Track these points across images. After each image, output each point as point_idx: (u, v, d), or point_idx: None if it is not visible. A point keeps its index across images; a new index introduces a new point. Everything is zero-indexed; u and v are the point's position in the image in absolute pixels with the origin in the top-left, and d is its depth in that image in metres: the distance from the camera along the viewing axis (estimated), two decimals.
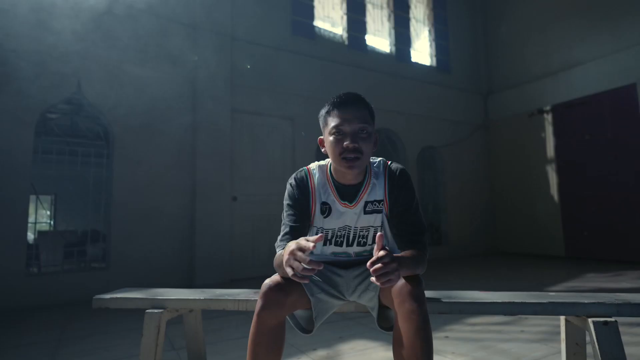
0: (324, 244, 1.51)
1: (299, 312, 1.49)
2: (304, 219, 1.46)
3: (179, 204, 4.86)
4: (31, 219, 4.65)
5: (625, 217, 5.83)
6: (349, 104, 1.38)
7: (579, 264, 5.91)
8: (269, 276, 1.39)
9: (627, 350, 2.10)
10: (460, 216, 7.45)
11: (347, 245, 1.49)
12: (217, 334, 2.72)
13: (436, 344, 2.41)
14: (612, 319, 1.43)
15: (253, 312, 1.31)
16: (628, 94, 5.84)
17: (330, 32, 6.63)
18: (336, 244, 1.50)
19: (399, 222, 1.44)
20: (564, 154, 6.71)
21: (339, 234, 1.48)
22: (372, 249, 1.33)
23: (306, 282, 1.22)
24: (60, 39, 4.12)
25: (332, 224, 1.47)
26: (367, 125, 1.37)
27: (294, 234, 1.41)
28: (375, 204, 1.45)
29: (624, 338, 1.75)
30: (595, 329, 1.43)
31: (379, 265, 1.10)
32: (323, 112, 1.44)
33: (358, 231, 1.47)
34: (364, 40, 6.85)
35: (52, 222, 9.82)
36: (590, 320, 1.45)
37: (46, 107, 4.20)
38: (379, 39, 7.25)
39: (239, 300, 1.75)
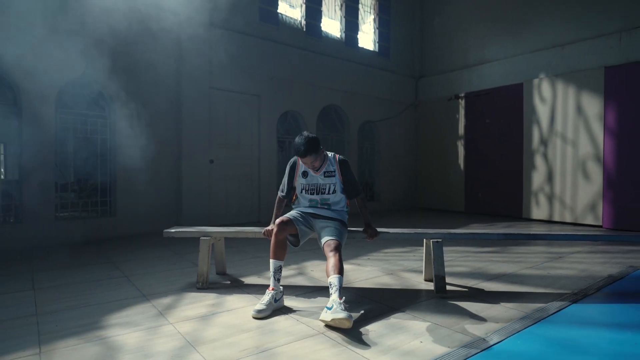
0: (306, 193, 2.98)
1: (290, 237, 2.92)
2: (290, 180, 3.00)
3: (169, 166, 6.00)
4: None
5: (506, 185, 7.86)
6: (305, 154, 2.79)
7: (471, 217, 7.95)
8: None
9: (473, 264, 3.85)
10: (390, 179, 9.23)
11: (316, 193, 2.97)
12: (231, 256, 4.11)
13: (360, 261, 4.04)
14: (440, 240, 3.05)
15: (258, 238, 2.73)
16: (517, 91, 7.69)
17: (292, 18, 7.71)
18: (311, 193, 2.97)
19: (346, 183, 2.96)
20: (470, 133, 8.58)
21: (312, 187, 2.96)
22: (329, 197, 2.91)
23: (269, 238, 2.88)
24: (69, 26, 4.94)
25: (309, 181, 2.96)
26: (316, 155, 2.81)
27: (284, 188, 3.02)
28: (329, 172, 2.94)
29: (473, 258, 3.44)
30: (432, 245, 3.03)
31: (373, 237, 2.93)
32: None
33: (321, 186, 2.96)
34: (320, 27, 8.01)
35: (2, 171, 10.25)
36: (431, 240, 3.05)
37: (60, 86, 5.06)
38: (332, 21, 8.42)
39: (255, 231, 3.16)
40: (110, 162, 5.58)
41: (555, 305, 2.73)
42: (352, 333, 2.25)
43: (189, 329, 2.32)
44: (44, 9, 4.81)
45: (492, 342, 2.13)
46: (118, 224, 5.49)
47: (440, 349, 2.06)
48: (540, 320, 2.46)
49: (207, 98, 6.37)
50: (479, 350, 2.04)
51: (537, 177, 7.36)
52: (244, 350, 2.05)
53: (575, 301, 2.83)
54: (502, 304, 2.77)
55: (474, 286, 3.22)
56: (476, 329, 2.32)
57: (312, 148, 2.76)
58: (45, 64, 4.82)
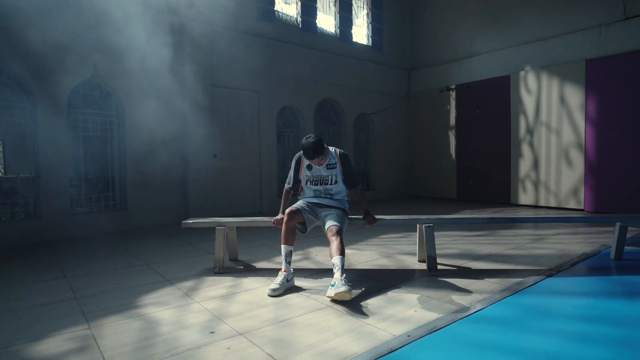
0: (311, 184, 3.33)
1: (298, 225, 3.27)
2: (296, 173, 3.36)
3: (176, 161, 6.29)
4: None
5: (495, 172, 8.26)
6: (313, 156, 3.15)
7: (463, 204, 8.35)
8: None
9: (462, 246, 4.23)
10: (385, 168, 9.60)
11: (320, 184, 3.32)
12: (240, 244, 4.45)
13: (360, 246, 4.40)
14: (431, 225, 3.41)
15: (266, 227, 3.07)
16: (504, 83, 8.04)
17: (288, 15, 7.96)
18: (315, 184, 3.32)
19: (346, 174, 3.31)
20: (461, 123, 8.94)
21: (316, 178, 3.32)
22: (332, 188, 3.25)
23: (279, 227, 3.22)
24: (77, 30, 5.19)
25: (313, 173, 3.31)
26: (322, 156, 3.18)
27: (291, 181, 3.39)
28: (331, 165, 3.29)
29: (463, 241, 3.80)
30: (425, 229, 3.40)
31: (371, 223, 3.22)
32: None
33: (324, 177, 3.31)
34: (315, 23, 8.27)
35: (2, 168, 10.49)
36: (424, 225, 3.42)
37: (72, 87, 5.33)
38: (326, 17, 8.67)
39: (265, 221, 3.51)
40: (120, 159, 5.87)
41: (532, 279, 3.12)
42: (355, 306, 2.62)
43: (214, 306, 2.67)
44: (52, 13, 5.05)
45: (475, 310, 2.50)
46: (130, 217, 5.81)
47: (432, 315, 2.43)
48: (517, 292, 2.83)
49: (209, 95, 6.65)
50: (464, 316, 2.41)
51: (524, 165, 7.75)
52: (265, 321, 2.40)
53: (550, 275, 3.22)
54: (486, 279, 3.15)
55: (462, 265, 3.60)
56: (462, 300, 2.69)
57: (318, 151, 3.13)
58: (57, 67, 5.08)
